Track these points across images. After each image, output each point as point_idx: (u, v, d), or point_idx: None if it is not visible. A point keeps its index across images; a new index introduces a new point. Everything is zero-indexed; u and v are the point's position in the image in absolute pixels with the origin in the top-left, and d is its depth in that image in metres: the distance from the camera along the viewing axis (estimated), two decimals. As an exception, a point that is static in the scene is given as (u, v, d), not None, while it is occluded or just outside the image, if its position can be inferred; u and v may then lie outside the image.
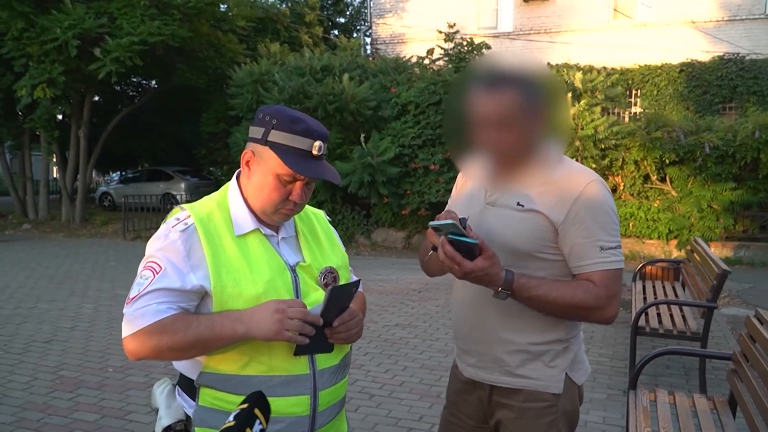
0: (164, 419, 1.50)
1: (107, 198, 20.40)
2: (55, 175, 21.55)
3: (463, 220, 1.57)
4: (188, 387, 1.51)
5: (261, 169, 1.48)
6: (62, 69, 13.04)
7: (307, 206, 1.66)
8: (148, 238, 1.50)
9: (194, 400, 1.49)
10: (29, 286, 7.90)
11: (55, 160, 17.86)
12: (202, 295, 1.45)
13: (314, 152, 1.45)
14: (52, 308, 6.68)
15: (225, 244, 1.46)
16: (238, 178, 1.56)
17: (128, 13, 13.23)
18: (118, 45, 12.71)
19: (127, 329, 1.39)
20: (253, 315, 1.38)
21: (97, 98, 18.15)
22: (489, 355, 1.72)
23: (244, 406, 1.07)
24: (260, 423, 1.07)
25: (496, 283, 1.55)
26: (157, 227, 1.53)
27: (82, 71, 13.35)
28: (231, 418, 1.05)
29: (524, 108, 1.57)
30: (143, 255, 1.47)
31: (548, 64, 15.14)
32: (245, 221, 1.50)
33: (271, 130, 1.45)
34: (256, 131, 1.48)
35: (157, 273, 1.40)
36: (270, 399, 1.40)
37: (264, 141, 1.46)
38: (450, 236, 1.50)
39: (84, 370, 4.67)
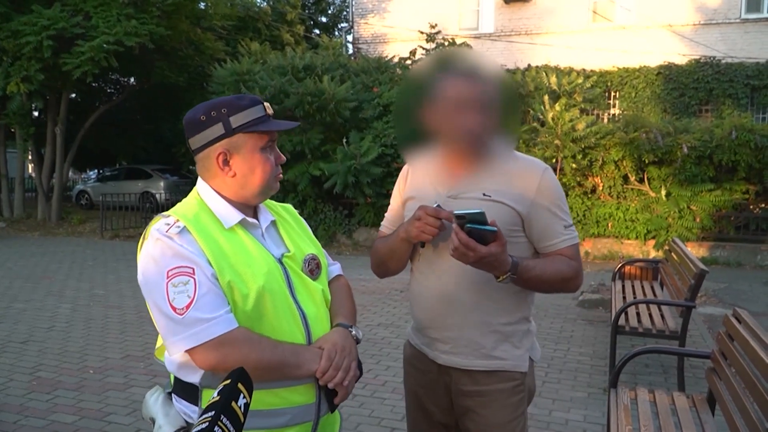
0: (165, 428, 1.44)
1: (84, 196, 20.06)
2: (30, 173, 21.19)
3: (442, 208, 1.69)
4: (186, 392, 1.46)
5: (242, 156, 1.50)
6: (39, 66, 12.83)
7: (274, 202, 1.71)
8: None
9: (196, 405, 1.44)
10: (5, 286, 7.75)
11: (30, 157, 17.55)
12: None
13: (269, 112, 1.54)
14: (29, 308, 6.57)
15: (219, 241, 1.46)
16: (205, 183, 1.55)
17: (104, 12, 13.01)
18: (91, 47, 12.52)
19: (197, 338, 1.35)
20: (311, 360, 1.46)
21: (74, 95, 17.87)
22: (464, 339, 1.79)
23: (227, 381, 1.10)
24: (244, 397, 1.10)
25: (504, 268, 1.63)
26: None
27: (59, 68, 13.15)
28: (215, 394, 1.07)
29: (496, 97, 1.73)
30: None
31: (528, 65, 15.30)
32: (230, 214, 1.51)
33: (228, 119, 1.48)
34: (212, 132, 1.48)
35: (193, 274, 1.37)
36: (276, 390, 1.42)
37: (230, 132, 1.48)
38: (469, 225, 1.54)
39: (61, 371, 4.60)
